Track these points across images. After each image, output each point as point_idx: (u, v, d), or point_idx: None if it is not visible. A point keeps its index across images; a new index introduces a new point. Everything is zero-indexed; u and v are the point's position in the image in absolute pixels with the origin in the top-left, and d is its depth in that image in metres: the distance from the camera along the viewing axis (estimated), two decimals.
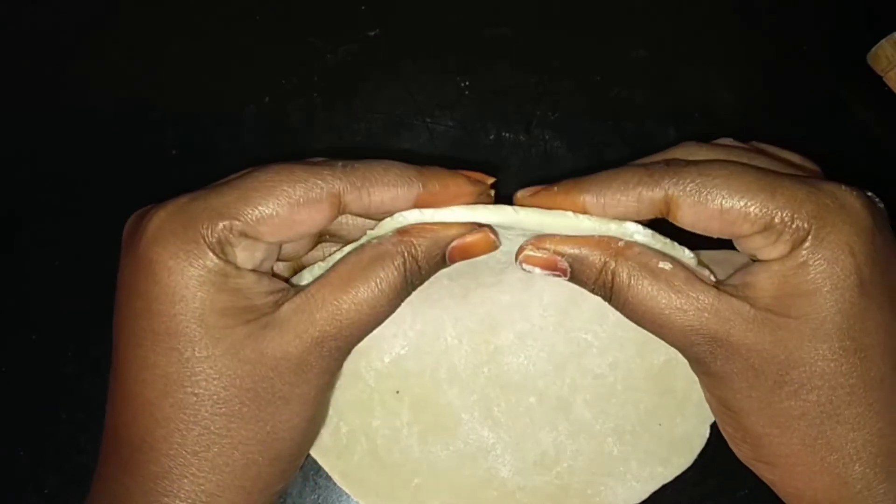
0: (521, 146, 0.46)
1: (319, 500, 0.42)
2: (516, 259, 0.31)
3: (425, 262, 0.30)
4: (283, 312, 0.29)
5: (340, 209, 0.29)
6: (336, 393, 0.39)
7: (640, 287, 0.29)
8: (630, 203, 0.29)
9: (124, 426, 0.29)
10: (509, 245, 0.32)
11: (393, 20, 0.46)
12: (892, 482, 0.29)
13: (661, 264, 0.29)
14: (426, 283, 0.32)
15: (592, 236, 0.30)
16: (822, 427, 0.28)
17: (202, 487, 0.28)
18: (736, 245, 0.31)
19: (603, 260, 0.30)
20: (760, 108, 0.46)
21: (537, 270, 0.31)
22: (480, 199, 0.31)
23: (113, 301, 0.30)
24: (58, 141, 0.45)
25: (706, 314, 0.28)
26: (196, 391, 0.28)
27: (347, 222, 0.34)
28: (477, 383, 0.39)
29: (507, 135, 0.46)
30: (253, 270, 0.29)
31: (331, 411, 0.39)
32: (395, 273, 0.29)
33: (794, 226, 0.27)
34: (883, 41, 0.44)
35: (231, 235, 0.28)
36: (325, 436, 0.39)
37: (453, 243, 0.30)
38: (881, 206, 0.30)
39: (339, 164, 0.29)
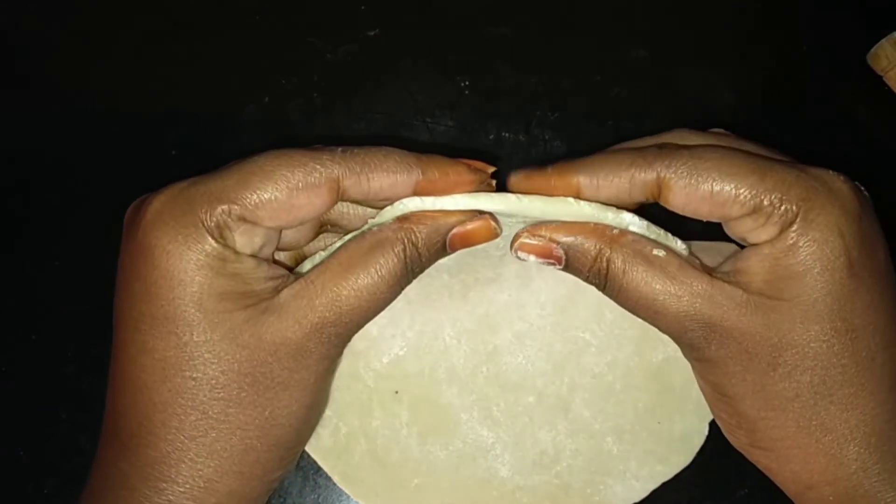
0: (521, 146, 0.46)
1: (319, 500, 0.42)
2: (511, 246, 0.31)
3: (426, 248, 0.30)
4: (282, 298, 0.29)
5: (339, 195, 0.29)
6: (335, 394, 0.39)
7: (634, 274, 0.29)
8: (622, 185, 0.29)
9: (123, 411, 0.29)
10: (508, 231, 0.32)
11: (393, 20, 0.46)
12: (886, 461, 0.29)
13: (656, 252, 0.30)
14: (426, 281, 0.32)
15: (587, 224, 0.30)
16: (815, 408, 0.29)
17: (200, 472, 0.28)
18: (726, 230, 0.31)
19: (598, 247, 0.30)
20: (760, 108, 0.46)
21: (532, 258, 0.31)
22: (481, 188, 0.31)
23: (113, 301, 0.30)
24: (58, 141, 0.45)
25: (700, 300, 0.29)
26: (194, 375, 0.28)
27: (348, 212, 0.34)
28: (476, 383, 0.39)
29: (507, 135, 0.46)
30: (252, 256, 0.29)
31: (330, 412, 0.39)
32: (395, 260, 0.29)
33: (783, 208, 0.28)
34: (883, 41, 0.44)
35: (230, 220, 0.28)
36: (325, 436, 0.39)
37: (454, 230, 0.30)
38: (866, 193, 0.30)
39: (339, 149, 0.29)
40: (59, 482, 0.42)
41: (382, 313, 0.31)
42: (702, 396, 0.39)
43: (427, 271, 0.32)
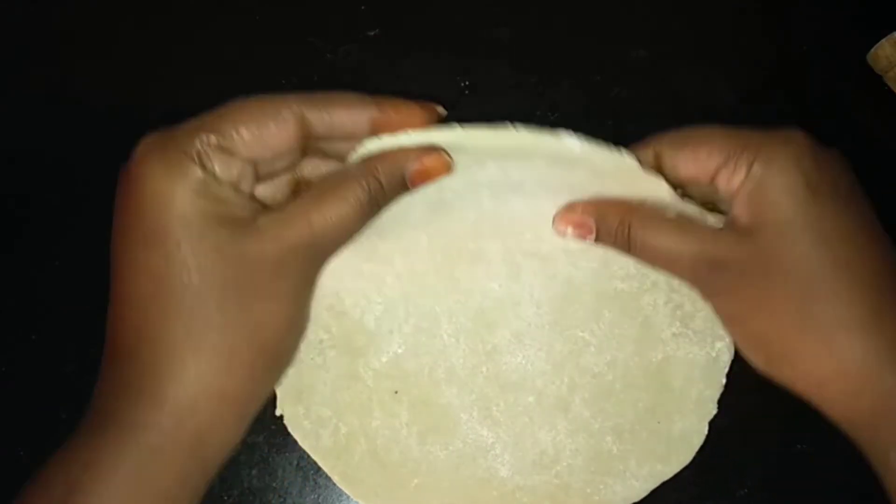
0: None
1: (319, 500, 0.42)
2: (553, 223, 0.37)
3: (387, 182, 0.33)
4: (260, 222, 0.32)
5: (305, 129, 0.33)
6: (335, 394, 0.39)
7: (654, 231, 0.35)
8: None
9: (122, 325, 0.32)
10: (466, 178, 0.36)
11: (393, 20, 0.46)
12: (881, 351, 0.32)
13: (669, 213, 0.35)
14: (408, 247, 0.38)
15: (612, 199, 0.36)
16: (808, 310, 0.33)
17: (191, 371, 0.31)
18: (717, 200, 0.36)
19: (620, 214, 0.36)
20: (760, 107, 0.46)
21: (569, 230, 0.37)
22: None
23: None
24: (58, 141, 0.45)
25: (705, 244, 0.34)
26: (184, 281, 0.31)
27: (320, 170, 0.37)
28: (475, 383, 0.40)
29: None
30: (231, 185, 0.32)
31: (329, 412, 0.39)
32: (360, 190, 0.33)
33: (745, 154, 0.33)
34: (883, 41, 0.43)
35: (209, 148, 0.31)
36: (325, 437, 0.39)
37: (412, 166, 0.34)
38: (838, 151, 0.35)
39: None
40: None
41: (377, 301, 0.39)
42: (701, 396, 0.39)
43: (406, 234, 0.38)
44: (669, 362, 0.39)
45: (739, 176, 0.34)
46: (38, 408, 0.43)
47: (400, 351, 0.40)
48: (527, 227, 0.39)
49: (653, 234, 0.35)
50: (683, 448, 0.39)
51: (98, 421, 0.32)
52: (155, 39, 0.42)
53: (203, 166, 0.31)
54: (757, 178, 0.33)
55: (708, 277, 0.35)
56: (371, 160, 0.34)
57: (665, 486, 0.39)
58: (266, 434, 0.42)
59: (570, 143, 0.34)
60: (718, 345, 0.40)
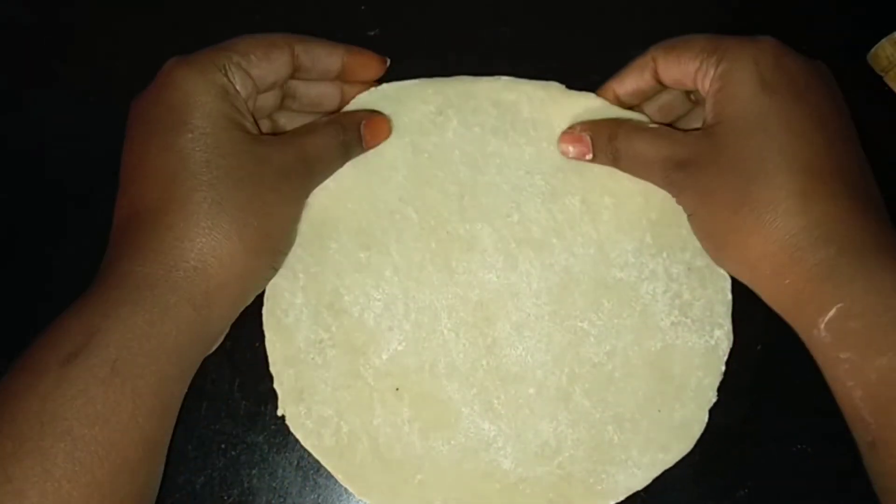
0: None
1: (319, 500, 0.42)
2: (558, 143, 0.41)
3: (350, 131, 0.40)
4: (264, 139, 0.37)
5: (295, 57, 0.39)
6: (336, 393, 0.40)
7: (635, 140, 0.39)
8: (635, 73, 0.40)
9: (140, 195, 0.35)
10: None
11: (393, 20, 0.46)
12: (807, 232, 0.34)
13: (650, 126, 0.40)
14: (403, 243, 0.41)
15: (604, 119, 0.41)
16: (745, 194, 0.35)
17: (207, 236, 0.34)
18: (701, 100, 0.39)
19: (609, 129, 0.40)
20: None
21: (571, 149, 0.41)
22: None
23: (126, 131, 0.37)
24: (58, 141, 0.45)
25: (675, 146, 0.37)
26: (208, 160, 0.35)
27: (294, 121, 0.42)
28: (476, 377, 0.40)
29: None
30: (245, 100, 0.37)
31: (331, 411, 0.40)
32: (335, 131, 0.39)
33: (715, 56, 0.37)
34: (883, 41, 0.43)
35: (231, 65, 0.37)
36: (327, 436, 0.39)
37: (363, 125, 0.41)
38: (826, 68, 0.38)
39: None
40: None
41: (376, 298, 0.40)
42: (700, 384, 0.40)
43: (396, 207, 0.41)
44: (668, 351, 0.40)
45: (709, 76, 0.37)
46: None
47: (400, 348, 0.40)
48: (510, 204, 0.41)
49: (634, 143, 0.39)
50: (684, 436, 0.39)
51: (114, 279, 0.34)
52: (155, 39, 0.42)
53: (228, 77, 0.36)
54: (721, 76, 0.36)
55: (675, 176, 0.37)
56: (338, 115, 0.42)
57: (665, 486, 0.40)
58: (266, 434, 0.42)
59: (504, 80, 0.42)
60: (717, 333, 0.40)
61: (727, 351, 0.40)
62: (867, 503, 0.35)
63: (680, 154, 0.37)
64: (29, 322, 0.35)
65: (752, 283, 0.37)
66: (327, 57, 0.40)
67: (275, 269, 0.39)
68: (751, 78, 0.35)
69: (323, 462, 0.40)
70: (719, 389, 0.40)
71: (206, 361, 0.37)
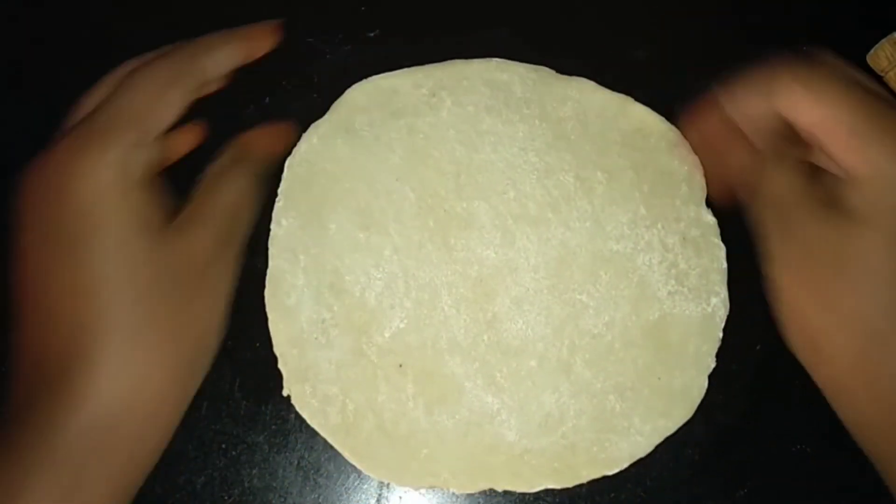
0: None
1: (319, 500, 0.42)
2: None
3: (254, 157, 0.39)
4: (177, 223, 0.34)
5: (201, 81, 0.37)
6: (340, 371, 0.40)
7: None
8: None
9: (45, 348, 0.32)
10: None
11: (393, 20, 0.46)
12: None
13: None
14: (402, 222, 0.41)
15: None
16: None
17: (132, 371, 0.32)
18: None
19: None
20: None
21: None
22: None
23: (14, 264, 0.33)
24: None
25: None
26: (117, 289, 0.32)
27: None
28: (478, 351, 0.40)
29: None
30: (142, 182, 0.33)
31: (336, 389, 0.40)
32: (242, 168, 0.38)
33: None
34: (883, 41, 0.43)
35: (127, 148, 0.33)
36: (333, 414, 0.40)
37: (257, 144, 0.40)
38: None
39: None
40: None
41: (377, 277, 0.41)
42: (699, 351, 0.40)
43: (393, 187, 0.41)
44: (666, 320, 0.40)
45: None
46: None
47: (402, 325, 0.40)
48: (505, 181, 0.41)
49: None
50: (685, 402, 0.40)
51: (22, 428, 0.31)
52: (154, 40, 0.42)
53: (123, 168, 0.33)
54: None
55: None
56: (231, 148, 0.39)
57: (665, 486, 0.40)
58: (266, 434, 0.42)
59: (496, 61, 0.43)
60: (714, 300, 0.41)
61: (724, 318, 0.41)
62: (867, 503, 0.35)
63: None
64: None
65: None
66: (231, 55, 0.39)
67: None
68: None
69: (330, 440, 0.40)
70: (719, 375, 0.40)
71: None
